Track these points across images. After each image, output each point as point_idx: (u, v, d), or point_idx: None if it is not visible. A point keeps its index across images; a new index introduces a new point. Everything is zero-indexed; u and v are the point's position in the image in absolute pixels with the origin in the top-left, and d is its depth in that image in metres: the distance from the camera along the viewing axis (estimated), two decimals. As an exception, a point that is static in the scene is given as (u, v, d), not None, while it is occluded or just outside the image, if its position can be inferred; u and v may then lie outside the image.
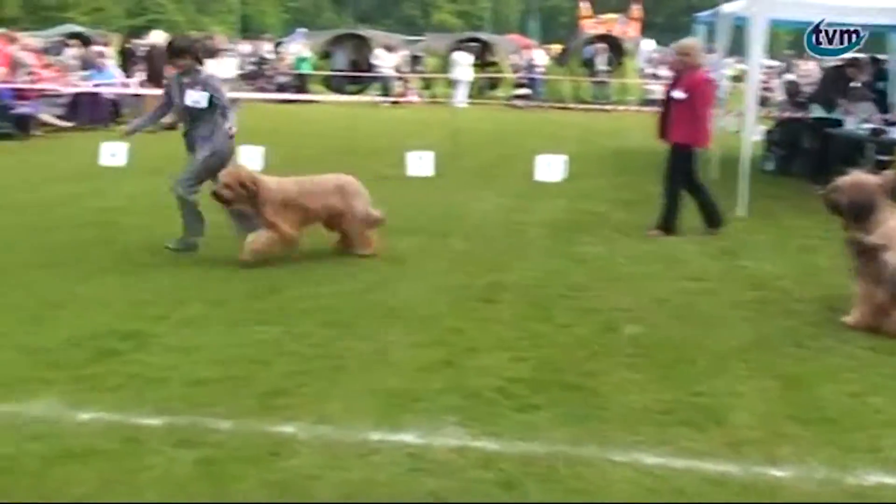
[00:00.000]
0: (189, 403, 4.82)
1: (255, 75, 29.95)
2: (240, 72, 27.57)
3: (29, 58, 18.92)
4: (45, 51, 23.48)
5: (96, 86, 19.68)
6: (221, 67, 20.74)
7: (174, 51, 8.16)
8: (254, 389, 5.04)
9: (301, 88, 28.19)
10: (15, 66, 18.49)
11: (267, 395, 4.95)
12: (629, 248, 8.82)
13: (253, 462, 4.20)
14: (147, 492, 3.93)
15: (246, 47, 34.84)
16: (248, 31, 63.58)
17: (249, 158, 12.26)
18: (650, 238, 9.24)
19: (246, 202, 7.63)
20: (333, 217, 8.05)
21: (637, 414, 4.85)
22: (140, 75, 21.72)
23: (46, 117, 17.93)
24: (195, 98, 7.96)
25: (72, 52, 23.15)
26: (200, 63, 8.27)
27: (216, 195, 7.64)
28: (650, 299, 7.06)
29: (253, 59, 31.98)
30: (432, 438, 4.48)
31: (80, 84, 19.63)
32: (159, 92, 18.82)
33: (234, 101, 10.89)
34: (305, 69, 30.09)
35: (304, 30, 39.98)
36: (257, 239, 7.66)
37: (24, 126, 17.21)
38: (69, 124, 18.45)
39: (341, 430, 4.56)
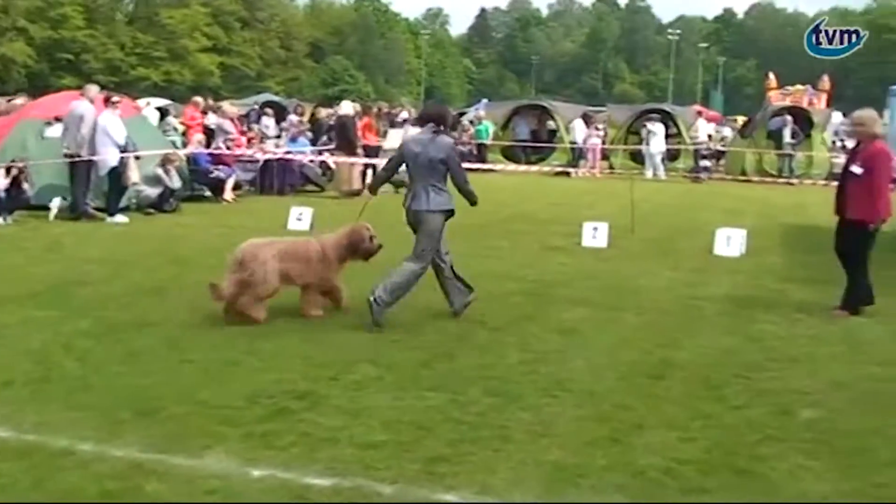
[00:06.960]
0: (356, 465, 4.93)
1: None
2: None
3: (228, 125, 20.06)
4: (245, 117, 24.90)
5: (287, 153, 20.57)
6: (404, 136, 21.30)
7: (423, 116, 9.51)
8: (418, 455, 5.10)
9: (481, 158, 28.58)
10: (214, 133, 19.72)
11: (431, 462, 5.00)
12: (810, 328, 8.47)
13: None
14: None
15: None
16: (432, 100, 65.67)
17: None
18: (835, 318, 8.86)
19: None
20: None
21: None
22: (328, 143, 22.56)
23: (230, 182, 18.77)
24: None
25: (267, 121, 24.36)
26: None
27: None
28: (830, 383, 6.75)
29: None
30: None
31: (274, 151, 20.60)
32: (350, 159, 19.74)
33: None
34: (484, 138, 30.63)
35: (485, 100, 40.74)
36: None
37: (217, 190, 18.19)
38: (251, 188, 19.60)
39: (504, 502, 4.54)
